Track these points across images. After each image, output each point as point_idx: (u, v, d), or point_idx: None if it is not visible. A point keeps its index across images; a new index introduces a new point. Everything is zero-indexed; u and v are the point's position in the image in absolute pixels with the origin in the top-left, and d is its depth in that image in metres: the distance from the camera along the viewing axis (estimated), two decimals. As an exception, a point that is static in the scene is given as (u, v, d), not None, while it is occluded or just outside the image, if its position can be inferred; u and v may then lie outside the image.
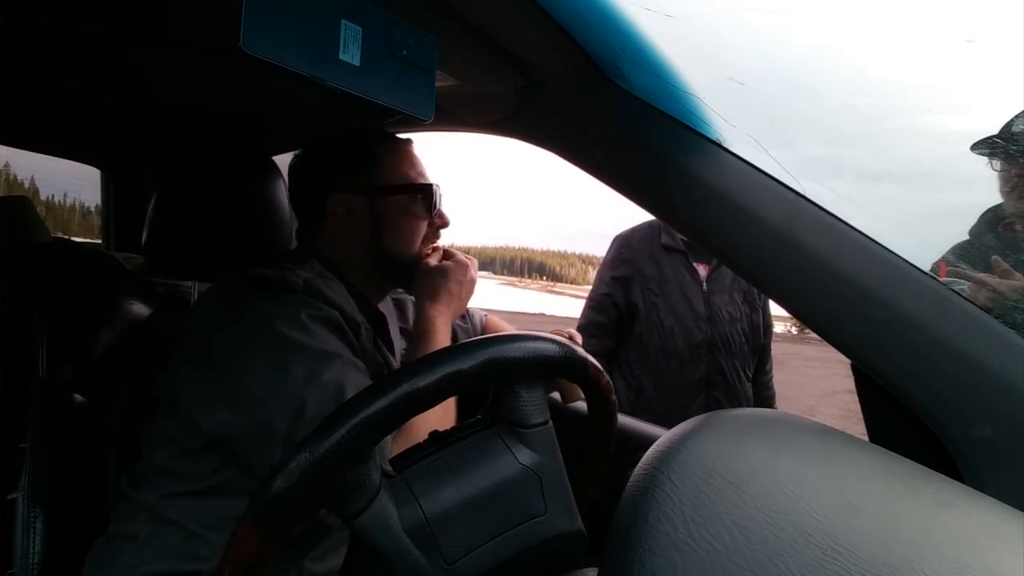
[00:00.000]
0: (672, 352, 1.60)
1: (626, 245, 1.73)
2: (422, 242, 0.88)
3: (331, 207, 0.84)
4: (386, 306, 0.99)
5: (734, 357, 1.63)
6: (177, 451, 0.74)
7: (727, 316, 1.62)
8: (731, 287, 1.65)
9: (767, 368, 1.77)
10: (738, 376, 1.64)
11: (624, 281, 1.68)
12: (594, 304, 1.72)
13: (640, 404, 1.63)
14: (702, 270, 1.66)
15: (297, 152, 0.92)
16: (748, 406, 1.67)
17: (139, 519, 0.75)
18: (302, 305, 0.73)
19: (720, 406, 1.60)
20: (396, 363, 0.92)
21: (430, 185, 0.88)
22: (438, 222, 0.90)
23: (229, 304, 0.76)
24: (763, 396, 1.76)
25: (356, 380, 0.68)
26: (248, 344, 0.70)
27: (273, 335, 0.69)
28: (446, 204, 0.91)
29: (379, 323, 0.89)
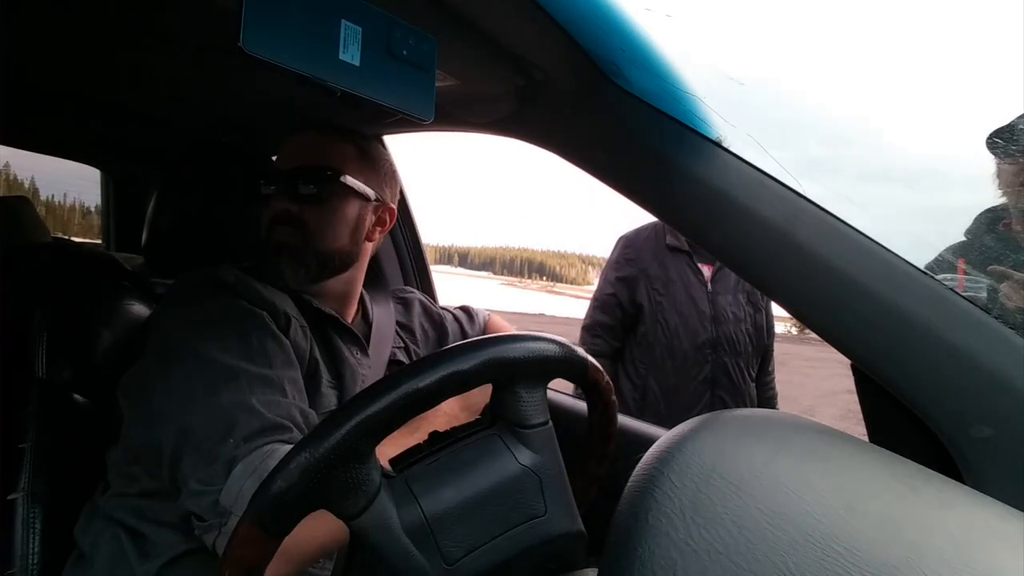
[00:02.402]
0: (677, 352, 1.61)
1: (631, 245, 1.74)
2: (266, 223, 0.83)
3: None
4: (387, 308, 0.99)
5: (739, 357, 1.63)
6: (123, 452, 0.76)
7: (731, 316, 1.63)
8: (735, 287, 1.66)
9: (769, 368, 1.78)
10: (742, 376, 1.65)
11: (629, 281, 1.69)
12: (599, 304, 1.73)
13: (646, 404, 1.64)
14: (706, 270, 1.67)
15: None
16: (752, 406, 1.68)
17: (94, 520, 0.77)
18: (224, 306, 0.75)
19: (725, 406, 1.61)
20: (360, 356, 0.89)
21: (250, 157, 0.88)
22: (269, 195, 0.83)
23: (162, 310, 0.79)
24: (765, 396, 1.77)
25: (259, 394, 0.67)
26: (163, 351, 0.72)
27: (188, 345, 0.70)
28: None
29: (330, 319, 0.86)
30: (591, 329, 1.73)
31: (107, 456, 0.79)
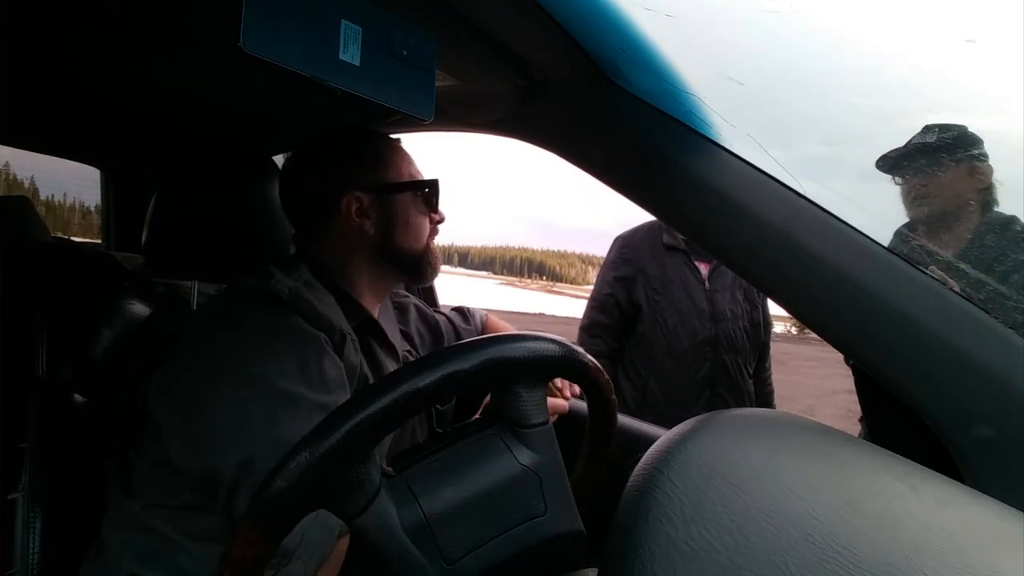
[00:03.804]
0: (677, 350, 1.62)
1: (628, 245, 1.74)
2: (427, 237, 0.89)
3: (344, 206, 0.83)
4: (386, 310, 0.98)
5: (737, 354, 1.64)
6: (158, 463, 0.74)
7: (729, 314, 1.64)
8: (732, 285, 1.67)
9: (766, 365, 1.79)
10: (741, 373, 1.66)
11: (627, 281, 1.69)
12: (597, 304, 1.73)
13: (646, 404, 1.64)
14: (703, 268, 1.67)
15: (293, 152, 0.91)
16: (751, 403, 1.69)
17: (125, 525, 0.75)
18: (281, 324, 0.72)
19: (725, 403, 1.62)
20: (397, 366, 0.91)
21: (435, 181, 0.88)
22: (436, 218, 0.90)
23: (210, 322, 0.75)
24: (762, 393, 1.78)
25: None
26: (216, 372, 0.68)
27: (243, 364, 0.68)
28: (444, 201, 0.91)
29: (372, 328, 0.88)
30: (589, 329, 1.73)
31: (134, 461, 0.77)
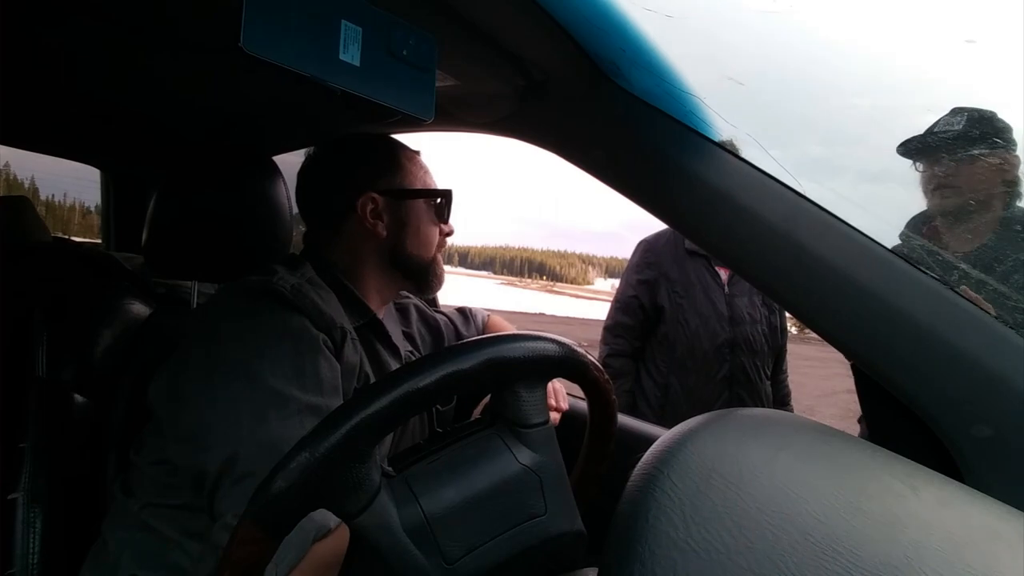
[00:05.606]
0: (698, 352, 1.68)
1: (651, 249, 1.81)
2: (435, 248, 0.91)
3: (359, 205, 0.84)
4: (389, 312, 0.99)
5: (755, 356, 1.70)
6: (157, 461, 0.74)
7: (748, 317, 1.70)
8: (751, 290, 1.72)
9: (783, 368, 1.85)
10: (759, 375, 1.71)
11: (650, 284, 1.76)
12: (621, 306, 1.80)
13: (668, 401, 1.70)
14: (723, 274, 1.73)
15: (314, 151, 0.92)
16: (769, 404, 1.75)
17: (125, 524, 0.75)
18: (281, 322, 0.71)
19: (743, 403, 1.69)
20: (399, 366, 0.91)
21: (449, 191, 0.90)
22: (446, 229, 0.92)
23: (211, 319, 0.75)
24: (779, 395, 1.84)
25: (309, 427, 0.66)
26: (212, 368, 0.68)
27: (240, 361, 0.68)
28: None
29: (376, 328, 0.88)
30: (613, 329, 1.80)
31: (134, 459, 0.77)
